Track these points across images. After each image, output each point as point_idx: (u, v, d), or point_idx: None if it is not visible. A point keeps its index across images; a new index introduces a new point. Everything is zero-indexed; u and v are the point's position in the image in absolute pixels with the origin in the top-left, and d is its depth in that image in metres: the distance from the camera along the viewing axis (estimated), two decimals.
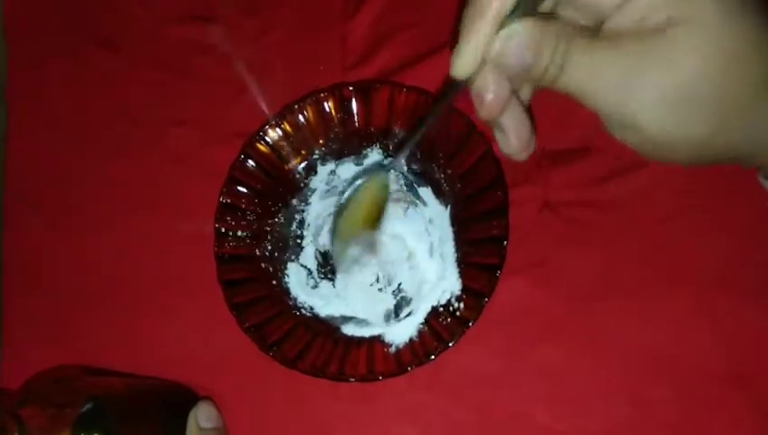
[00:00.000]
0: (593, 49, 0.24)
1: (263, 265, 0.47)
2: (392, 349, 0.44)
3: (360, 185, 0.42)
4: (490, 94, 0.26)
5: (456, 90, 0.27)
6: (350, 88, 0.47)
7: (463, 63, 0.25)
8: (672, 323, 0.44)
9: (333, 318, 0.47)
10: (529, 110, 0.28)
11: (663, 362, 0.44)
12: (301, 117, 0.47)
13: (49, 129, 0.54)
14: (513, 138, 0.27)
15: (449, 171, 0.46)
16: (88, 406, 0.37)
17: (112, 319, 0.49)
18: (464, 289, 0.43)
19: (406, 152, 0.38)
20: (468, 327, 0.41)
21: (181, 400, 0.46)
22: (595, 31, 0.25)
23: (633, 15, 0.24)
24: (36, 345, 0.49)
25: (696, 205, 0.46)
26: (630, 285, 0.45)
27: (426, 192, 0.48)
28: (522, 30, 0.24)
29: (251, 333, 0.43)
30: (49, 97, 0.55)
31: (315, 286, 0.48)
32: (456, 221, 0.46)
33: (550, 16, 0.25)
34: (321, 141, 0.48)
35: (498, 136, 0.28)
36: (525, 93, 0.29)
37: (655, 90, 0.23)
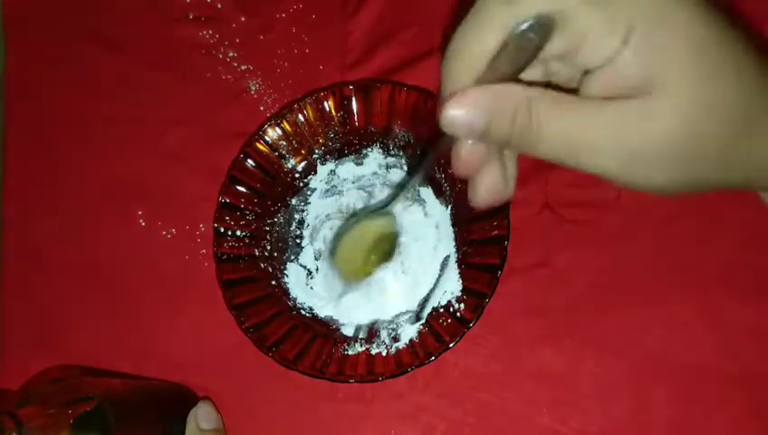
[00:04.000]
0: (567, 110, 0.24)
1: (262, 265, 0.47)
2: (392, 349, 0.43)
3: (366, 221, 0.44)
4: (463, 159, 0.27)
5: (444, 141, 0.27)
6: (351, 87, 0.47)
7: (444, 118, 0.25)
8: (673, 324, 0.44)
9: (333, 319, 0.47)
10: (516, 161, 0.29)
11: (664, 363, 0.44)
12: (300, 116, 0.47)
13: (48, 128, 0.54)
14: (481, 193, 0.28)
15: (449, 171, 0.46)
16: (87, 407, 0.37)
17: (112, 319, 0.49)
18: (464, 290, 0.43)
19: (407, 195, 0.39)
20: (468, 328, 0.41)
21: (181, 400, 0.46)
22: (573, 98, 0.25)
23: (615, 74, 0.24)
24: (36, 346, 0.49)
25: (697, 205, 0.46)
26: (631, 285, 0.45)
27: (426, 192, 0.48)
28: (473, 97, 0.24)
29: (250, 333, 0.43)
30: (49, 97, 0.55)
31: (313, 287, 0.48)
32: (456, 221, 0.46)
33: (519, 82, 0.25)
34: (320, 141, 0.48)
35: (470, 187, 0.28)
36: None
37: (630, 152, 0.24)
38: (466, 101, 0.24)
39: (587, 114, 0.24)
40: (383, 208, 0.45)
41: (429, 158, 0.30)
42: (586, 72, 0.25)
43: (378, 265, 0.44)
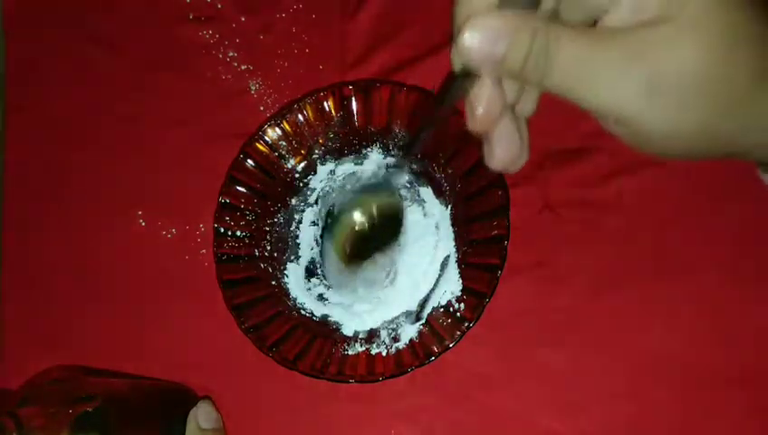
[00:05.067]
0: (582, 43, 0.23)
1: (262, 265, 0.47)
2: (392, 349, 0.43)
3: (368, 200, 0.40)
4: (480, 108, 0.25)
5: (456, 90, 0.26)
6: (350, 87, 0.47)
7: (458, 57, 0.24)
8: (673, 324, 0.44)
9: (332, 319, 0.47)
10: (527, 125, 0.28)
11: (664, 363, 0.44)
12: (300, 116, 0.47)
13: (48, 129, 0.54)
14: (499, 153, 0.26)
15: (449, 171, 0.46)
16: (87, 407, 0.37)
17: (112, 319, 0.49)
18: (464, 290, 0.43)
19: (409, 157, 0.37)
20: (469, 328, 0.41)
21: (181, 400, 0.46)
22: (590, 29, 0.25)
23: (627, 11, 0.23)
24: (35, 346, 0.49)
25: (698, 205, 0.46)
26: (631, 285, 0.45)
27: (426, 192, 0.48)
28: (491, 21, 0.23)
29: (250, 333, 0.43)
30: (49, 97, 0.55)
31: (311, 288, 0.48)
32: (456, 221, 0.46)
33: (537, 15, 0.24)
34: (320, 141, 0.48)
35: (485, 147, 0.27)
36: (528, 107, 0.28)
37: (646, 80, 0.23)
38: (484, 24, 0.23)
39: (606, 42, 0.23)
40: (387, 184, 0.42)
41: (441, 107, 0.28)
42: (599, 15, 0.24)
43: (377, 250, 0.42)
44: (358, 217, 0.40)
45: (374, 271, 0.45)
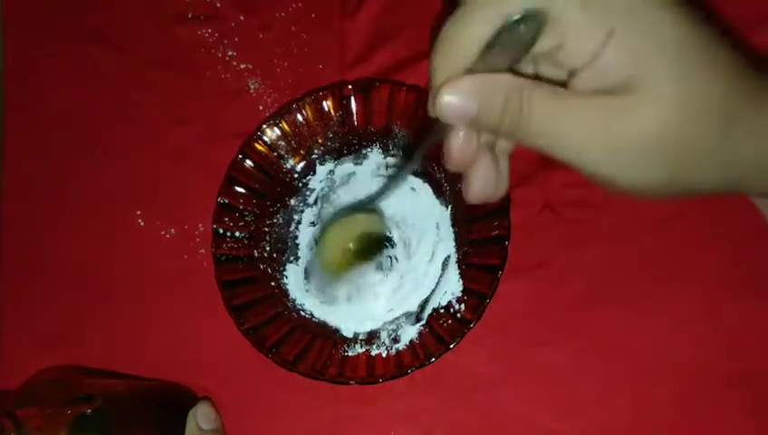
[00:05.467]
0: (552, 104, 0.25)
1: (261, 266, 0.47)
2: (392, 350, 0.43)
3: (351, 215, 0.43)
4: (454, 153, 0.27)
5: (435, 134, 0.28)
6: (350, 87, 0.47)
7: (434, 107, 0.26)
8: (673, 325, 0.44)
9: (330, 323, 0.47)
10: (508, 159, 0.29)
11: (664, 363, 0.44)
12: (299, 116, 0.47)
13: (48, 129, 0.54)
14: (474, 190, 0.28)
15: (449, 171, 0.46)
16: (86, 407, 0.37)
17: (111, 320, 0.49)
18: (465, 290, 0.43)
19: (387, 195, 0.39)
20: (469, 329, 0.41)
21: (180, 401, 0.46)
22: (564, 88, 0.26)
23: (598, 73, 0.24)
24: (34, 346, 0.49)
25: (697, 205, 0.46)
26: (631, 285, 0.45)
27: (426, 192, 0.48)
28: (467, 84, 0.25)
29: (250, 335, 0.43)
30: (49, 97, 0.54)
31: (310, 289, 0.48)
32: (456, 222, 0.46)
33: (513, 73, 0.26)
34: (319, 141, 0.48)
35: (463, 182, 0.29)
36: (508, 145, 0.29)
37: (609, 145, 0.24)
38: (460, 86, 0.25)
39: (573, 105, 0.25)
40: (371, 203, 0.45)
41: (419, 151, 0.31)
42: (572, 73, 0.25)
43: (360, 260, 0.44)
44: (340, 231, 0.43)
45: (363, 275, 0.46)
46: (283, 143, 0.48)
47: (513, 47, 0.24)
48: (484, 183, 0.28)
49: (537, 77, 0.27)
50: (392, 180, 0.36)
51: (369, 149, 0.49)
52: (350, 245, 0.43)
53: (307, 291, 0.47)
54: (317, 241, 0.45)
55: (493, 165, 0.28)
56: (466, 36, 0.25)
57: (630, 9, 0.24)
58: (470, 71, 0.25)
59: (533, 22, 0.24)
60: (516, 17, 0.24)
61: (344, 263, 0.43)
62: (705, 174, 0.26)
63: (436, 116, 0.26)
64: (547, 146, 0.25)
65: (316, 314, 0.47)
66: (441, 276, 0.45)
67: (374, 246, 0.44)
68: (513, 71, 0.25)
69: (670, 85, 0.24)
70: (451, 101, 0.25)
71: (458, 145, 0.27)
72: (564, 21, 0.24)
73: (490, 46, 0.25)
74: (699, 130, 0.24)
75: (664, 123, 0.24)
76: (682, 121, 0.24)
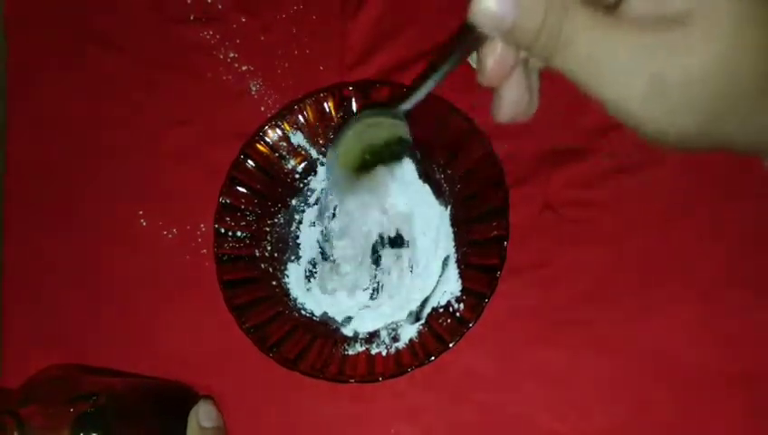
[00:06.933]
0: (596, 27, 0.23)
1: (262, 265, 0.47)
2: (392, 349, 0.43)
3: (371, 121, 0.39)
4: (490, 64, 0.25)
5: (469, 43, 0.25)
6: (350, 88, 0.47)
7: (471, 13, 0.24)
8: (673, 324, 0.44)
9: (332, 319, 0.47)
10: (539, 76, 0.27)
11: (664, 363, 0.44)
12: (300, 117, 0.47)
13: (48, 129, 0.54)
14: (506, 107, 0.26)
15: (449, 171, 0.46)
16: (88, 405, 0.37)
17: (112, 319, 0.49)
18: (464, 290, 0.43)
19: (414, 100, 0.36)
20: (468, 328, 0.41)
21: (181, 399, 0.46)
22: (612, 11, 0.24)
23: (651, 4, 0.23)
24: (36, 345, 0.49)
25: (697, 205, 0.46)
26: (631, 285, 0.45)
27: (426, 192, 0.48)
28: None
29: (251, 333, 0.43)
30: (49, 97, 0.55)
31: (311, 288, 0.48)
32: (456, 222, 0.46)
33: None
34: (320, 141, 0.48)
35: (494, 99, 0.27)
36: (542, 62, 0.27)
37: (651, 81, 0.23)
38: None
39: (621, 33, 0.23)
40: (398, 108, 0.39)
41: (454, 56, 0.28)
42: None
43: (378, 161, 0.41)
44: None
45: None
46: (284, 144, 0.48)
47: None
48: (516, 101, 0.26)
49: None
50: (423, 82, 0.33)
51: None
52: (371, 145, 0.39)
53: (308, 290, 0.48)
54: (338, 136, 0.41)
55: (525, 82, 0.26)
56: None
57: None
58: None
59: None
60: None
61: (362, 163, 0.40)
62: (741, 123, 0.24)
63: (472, 23, 0.24)
64: (579, 75, 0.24)
65: (317, 313, 0.47)
66: (441, 276, 0.45)
67: (395, 151, 0.40)
68: None
69: (729, 20, 0.22)
70: (489, 6, 0.23)
71: (494, 58, 0.25)
72: None
73: None
74: (749, 72, 0.23)
75: (714, 58, 0.22)
76: (734, 59, 0.22)
